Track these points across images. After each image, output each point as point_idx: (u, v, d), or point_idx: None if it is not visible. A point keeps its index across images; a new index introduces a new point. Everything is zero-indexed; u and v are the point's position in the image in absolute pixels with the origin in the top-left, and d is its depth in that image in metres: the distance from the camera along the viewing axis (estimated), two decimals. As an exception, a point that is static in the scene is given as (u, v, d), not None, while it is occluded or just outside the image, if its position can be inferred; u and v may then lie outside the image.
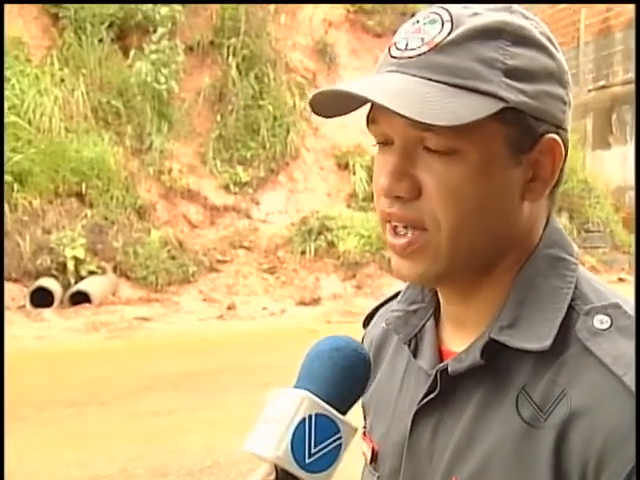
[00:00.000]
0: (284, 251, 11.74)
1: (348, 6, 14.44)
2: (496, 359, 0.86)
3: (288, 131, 12.92)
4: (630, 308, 0.84)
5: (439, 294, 0.96)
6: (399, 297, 1.03)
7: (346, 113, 0.91)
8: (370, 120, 0.88)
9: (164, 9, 12.44)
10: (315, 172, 13.16)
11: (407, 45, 0.86)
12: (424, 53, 0.84)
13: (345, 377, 0.91)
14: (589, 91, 15.52)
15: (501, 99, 0.82)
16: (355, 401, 0.94)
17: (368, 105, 0.87)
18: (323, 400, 0.89)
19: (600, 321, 0.82)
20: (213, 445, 5.22)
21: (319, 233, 11.71)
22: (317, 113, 0.91)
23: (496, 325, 0.87)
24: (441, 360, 0.93)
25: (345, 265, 11.31)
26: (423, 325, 0.98)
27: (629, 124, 14.47)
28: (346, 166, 13.04)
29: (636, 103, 12.32)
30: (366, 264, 11.30)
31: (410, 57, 0.85)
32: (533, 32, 0.87)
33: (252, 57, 13.12)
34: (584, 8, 15.44)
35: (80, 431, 5.62)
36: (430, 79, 0.83)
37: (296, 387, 0.91)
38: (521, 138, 0.85)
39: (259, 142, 12.78)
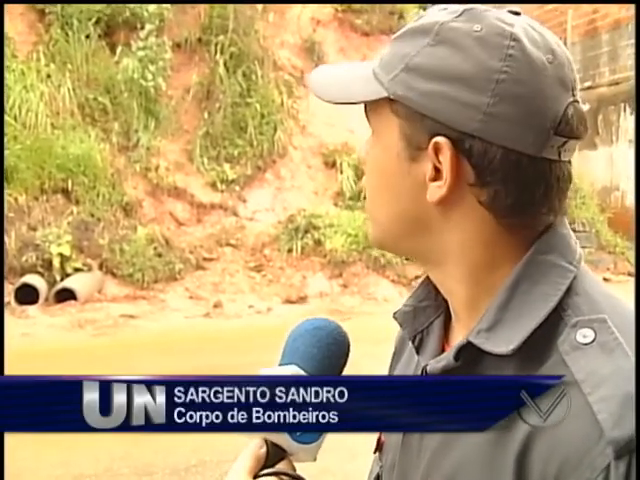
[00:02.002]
0: (271, 249, 11.73)
1: (336, 5, 14.43)
2: (475, 363, 0.86)
3: (275, 129, 12.90)
4: (619, 323, 0.82)
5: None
6: (411, 292, 1.03)
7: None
8: None
9: (152, 6, 12.39)
10: (302, 170, 13.16)
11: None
12: (387, 46, 0.93)
13: (329, 354, 0.94)
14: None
15: (386, 90, 0.87)
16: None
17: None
18: (310, 375, 0.91)
19: (583, 335, 0.81)
20: (199, 444, 5.22)
21: (306, 231, 11.71)
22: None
23: (476, 328, 0.86)
24: None
25: (332, 264, 11.31)
26: (431, 322, 0.99)
27: (615, 125, 14.54)
28: (333, 164, 13.04)
29: (636, 103, 12.37)
30: (353, 263, 11.31)
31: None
32: (462, 35, 0.84)
33: (240, 55, 13.09)
34: (570, 9, 15.49)
35: (65, 429, 5.60)
36: (374, 68, 0.91)
37: (280, 364, 0.93)
38: (414, 134, 0.87)
39: (246, 140, 12.76)
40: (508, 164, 0.84)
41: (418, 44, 0.87)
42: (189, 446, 5.22)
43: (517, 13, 0.89)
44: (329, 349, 0.94)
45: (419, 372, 0.95)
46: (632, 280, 12.09)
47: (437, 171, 0.87)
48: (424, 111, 0.85)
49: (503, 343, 0.83)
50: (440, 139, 0.85)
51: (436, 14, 0.89)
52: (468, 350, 0.86)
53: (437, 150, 0.85)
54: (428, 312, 0.99)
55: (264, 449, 0.90)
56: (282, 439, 0.89)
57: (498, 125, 0.83)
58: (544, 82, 0.84)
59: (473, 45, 0.84)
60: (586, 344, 0.80)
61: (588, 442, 0.75)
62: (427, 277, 0.99)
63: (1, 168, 9.67)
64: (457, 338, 0.94)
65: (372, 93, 0.89)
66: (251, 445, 0.91)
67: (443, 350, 0.95)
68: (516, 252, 0.88)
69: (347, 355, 0.97)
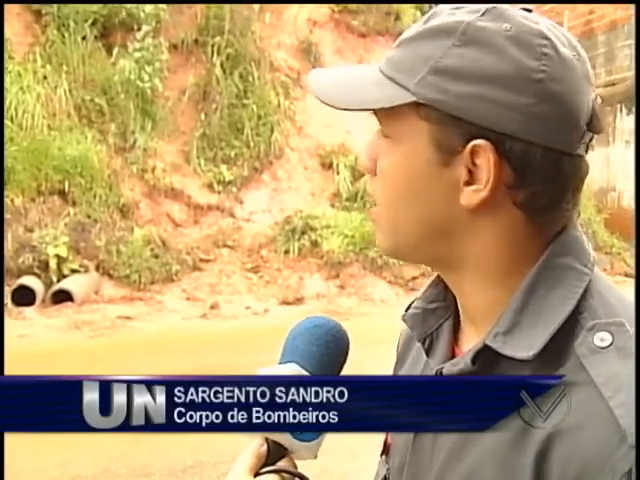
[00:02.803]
0: (268, 250, 11.73)
1: (333, 6, 14.44)
2: (491, 366, 0.86)
3: (272, 130, 12.91)
4: (634, 327, 0.82)
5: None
6: (419, 294, 1.02)
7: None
8: None
9: (148, 7, 12.38)
10: (299, 171, 13.16)
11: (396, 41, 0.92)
12: (394, 47, 0.90)
13: (328, 352, 0.94)
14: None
15: (414, 94, 0.84)
16: (338, 375, 0.96)
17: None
18: (310, 373, 0.91)
19: (601, 339, 0.81)
20: (196, 445, 5.22)
21: (303, 232, 11.71)
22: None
23: (492, 331, 0.86)
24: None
25: (329, 265, 11.31)
26: (441, 324, 0.98)
27: (611, 125, 14.56)
28: (330, 166, 13.04)
29: (636, 103, 12.38)
30: (350, 264, 11.31)
31: (392, 48, 0.91)
32: (493, 34, 0.83)
33: (236, 56, 13.09)
34: (567, 10, 15.52)
35: (62, 431, 5.59)
36: (382, 71, 0.89)
37: (280, 363, 0.94)
38: (445, 138, 0.84)
39: (243, 141, 12.76)
40: (547, 163, 0.84)
41: (442, 45, 0.84)
42: (186, 447, 5.22)
43: (529, 10, 0.88)
44: (328, 347, 0.95)
45: (429, 373, 0.95)
46: (629, 281, 12.11)
47: (471, 174, 0.85)
48: (459, 114, 0.83)
49: (523, 348, 0.83)
50: (480, 142, 0.83)
51: (455, 14, 0.86)
52: (485, 353, 0.85)
53: (474, 153, 0.84)
54: (437, 314, 0.99)
55: (265, 447, 0.90)
56: (283, 437, 0.89)
57: (538, 125, 0.83)
58: (576, 79, 0.85)
59: (506, 45, 0.83)
60: (604, 347, 0.80)
61: (610, 446, 0.75)
62: (435, 278, 0.99)
63: (1, 169, 9.66)
64: (468, 340, 0.94)
65: (395, 98, 0.85)
66: (252, 443, 0.91)
67: (453, 352, 0.95)
68: (535, 255, 0.88)
69: (347, 353, 0.97)
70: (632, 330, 0.81)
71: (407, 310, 1.12)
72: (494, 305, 0.89)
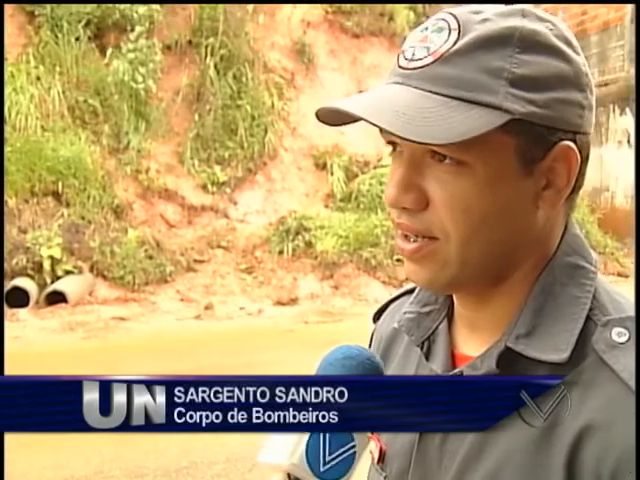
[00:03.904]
0: (262, 251, 11.72)
1: (326, 6, 14.43)
2: (510, 367, 0.85)
3: (266, 131, 12.90)
4: None
5: (454, 298, 0.95)
6: (412, 298, 1.01)
7: (356, 121, 0.89)
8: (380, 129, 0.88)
9: (142, 8, 12.36)
10: (293, 172, 13.15)
11: (413, 55, 0.85)
12: (429, 64, 0.83)
13: None
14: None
15: (507, 111, 0.80)
16: None
17: None
18: None
19: (618, 334, 0.81)
20: (190, 446, 5.21)
21: (297, 233, 11.70)
22: (326, 122, 0.90)
23: (513, 333, 0.85)
24: (453, 363, 0.93)
25: (323, 265, 11.31)
26: (436, 327, 0.97)
27: (604, 126, 14.59)
28: (324, 166, 13.04)
29: (636, 103, 12.41)
30: (344, 264, 11.31)
31: (415, 68, 0.84)
32: (547, 36, 0.84)
33: (230, 57, 13.08)
34: (560, 10, 15.54)
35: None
36: (434, 92, 0.82)
37: None
38: (532, 148, 0.83)
39: (237, 142, 12.75)
40: (590, 149, 0.87)
41: (503, 54, 0.81)
42: (180, 448, 5.21)
43: None
44: None
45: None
46: (622, 280, 12.13)
47: (547, 179, 0.85)
48: (545, 121, 0.82)
49: (551, 350, 0.83)
50: (569, 144, 0.83)
51: (493, 20, 0.83)
52: (506, 355, 0.85)
53: (558, 156, 0.84)
54: (432, 317, 0.98)
55: None
56: (305, 475, 0.87)
57: (589, 116, 0.86)
58: None
59: (559, 44, 0.84)
60: (622, 343, 0.81)
61: None
62: None
63: (1, 169, 9.63)
64: (465, 343, 0.94)
65: (490, 120, 0.80)
66: (274, 479, 0.89)
67: (453, 355, 0.95)
68: (548, 253, 0.89)
69: None
70: None
71: (378, 313, 1.12)
72: (503, 308, 0.89)
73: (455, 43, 0.82)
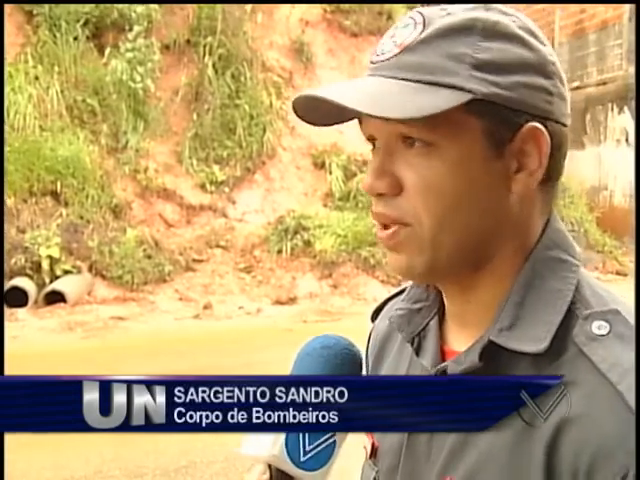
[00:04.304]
0: (260, 250, 11.73)
1: (325, 5, 14.44)
2: (494, 361, 0.86)
3: (264, 130, 12.90)
4: (630, 315, 0.84)
5: (442, 294, 0.96)
6: (403, 296, 1.02)
7: (338, 122, 0.93)
8: (360, 123, 0.91)
9: (140, 7, 12.36)
10: (291, 171, 13.16)
11: (383, 50, 0.89)
12: (396, 55, 0.86)
13: (338, 374, 0.92)
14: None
15: (469, 91, 0.83)
16: None
17: None
18: None
19: (598, 327, 0.82)
20: (189, 445, 5.21)
21: (295, 232, 11.70)
22: (308, 121, 0.93)
23: (496, 327, 0.87)
24: (443, 359, 0.94)
25: (321, 264, 11.31)
26: (427, 324, 0.98)
27: (603, 124, 14.60)
28: (322, 165, 13.05)
29: (636, 102, 12.42)
30: (342, 263, 11.31)
31: (384, 60, 0.87)
32: (509, 26, 0.86)
33: (229, 56, 13.08)
34: (558, 9, 15.55)
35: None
36: (400, 78, 0.85)
37: None
38: (499, 129, 0.85)
39: (235, 141, 12.76)
40: (565, 139, 0.89)
41: (467, 42, 0.84)
42: (179, 447, 5.22)
43: None
44: (337, 369, 0.92)
45: (423, 373, 0.95)
46: (621, 279, 12.15)
47: (519, 162, 0.86)
48: (511, 104, 0.84)
49: (529, 341, 0.84)
50: (537, 125, 0.85)
51: (456, 13, 0.87)
52: (489, 349, 0.86)
53: (526, 138, 0.85)
54: (422, 314, 0.99)
55: (267, 475, 0.89)
56: (286, 465, 0.88)
57: (561, 104, 0.88)
58: None
59: (523, 34, 0.87)
60: (602, 335, 0.82)
61: (622, 429, 0.76)
62: None
63: (1, 168, 9.63)
64: (455, 338, 0.94)
65: (451, 99, 0.83)
66: (254, 471, 0.90)
67: (442, 350, 0.96)
68: (530, 246, 0.90)
69: (357, 374, 0.95)
70: (629, 318, 0.83)
71: (376, 311, 1.13)
72: (488, 302, 0.89)
73: (420, 34, 0.86)
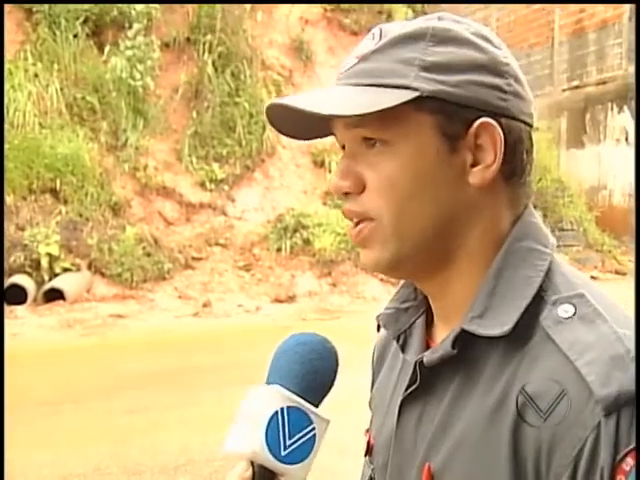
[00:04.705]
0: (260, 248, 11.73)
1: (325, 4, 14.44)
2: (468, 349, 0.89)
3: (264, 128, 12.89)
4: (596, 298, 0.86)
5: (421, 290, 1.00)
6: (392, 296, 1.06)
7: (315, 137, 0.99)
8: (334, 135, 0.96)
9: (140, 5, 12.37)
10: (291, 169, 13.16)
11: (345, 64, 0.94)
12: (354, 65, 0.92)
13: (313, 369, 0.93)
14: (563, 91, 15.63)
15: (415, 90, 0.87)
16: (326, 393, 0.95)
17: None
18: (294, 393, 0.91)
19: (564, 310, 0.85)
20: (187, 443, 5.22)
21: (295, 230, 11.71)
22: (282, 132, 1.01)
23: (468, 316, 0.89)
24: None
25: (321, 263, 11.32)
26: (413, 322, 1.02)
27: (602, 124, 14.60)
28: (322, 163, 13.05)
29: (636, 101, 12.42)
30: (342, 262, 11.32)
31: (343, 72, 0.93)
32: (459, 32, 0.91)
33: (228, 54, 13.08)
34: (557, 8, 15.55)
35: (53, 430, 5.59)
36: (354, 84, 0.91)
37: (267, 383, 0.93)
38: (450, 125, 0.89)
39: (235, 139, 12.76)
40: (525, 135, 0.92)
41: (417, 48, 0.89)
42: (178, 445, 5.22)
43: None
44: (312, 364, 0.93)
45: (409, 369, 0.96)
46: (620, 278, 12.15)
47: (474, 156, 0.90)
48: (460, 100, 0.88)
49: (497, 326, 0.87)
50: (488, 119, 0.89)
51: (408, 26, 0.92)
52: (462, 337, 0.89)
53: (479, 133, 0.89)
54: (410, 312, 1.02)
55: (249, 472, 0.90)
56: (267, 461, 0.89)
57: (518, 102, 0.92)
58: None
59: (474, 38, 0.91)
60: (567, 318, 0.85)
61: (579, 404, 0.79)
62: (406, 280, 1.03)
63: (1, 168, 9.63)
64: (441, 335, 0.96)
65: (399, 97, 0.87)
66: (237, 468, 0.91)
67: (428, 346, 0.98)
68: (503, 239, 0.93)
69: (335, 368, 0.96)
70: (593, 300, 0.86)
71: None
72: (469, 297, 0.92)
73: (375, 45, 0.91)
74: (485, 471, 0.84)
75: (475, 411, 0.86)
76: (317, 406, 0.93)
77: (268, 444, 0.88)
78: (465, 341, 0.89)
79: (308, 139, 1.01)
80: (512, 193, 0.93)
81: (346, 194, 0.93)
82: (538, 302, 0.87)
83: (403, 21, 0.95)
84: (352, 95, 0.90)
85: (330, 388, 0.96)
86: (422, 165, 0.89)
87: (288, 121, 0.96)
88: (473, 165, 0.90)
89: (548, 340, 0.84)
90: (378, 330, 1.16)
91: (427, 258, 0.92)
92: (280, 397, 0.90)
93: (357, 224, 0.93)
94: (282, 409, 0.89)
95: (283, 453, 0.89)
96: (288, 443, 0.89)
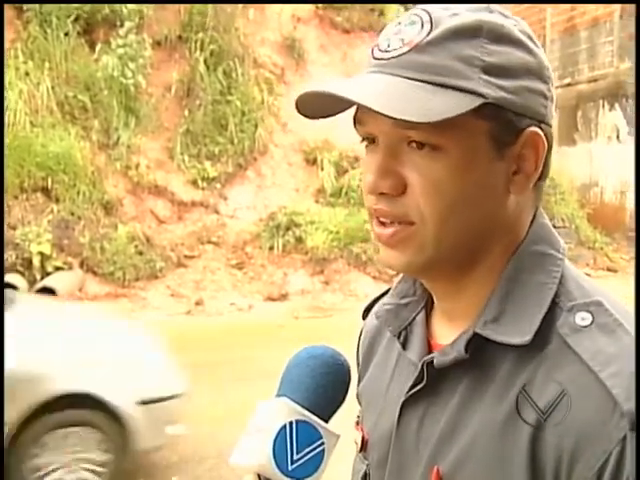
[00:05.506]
0: (252, 247, 11.72)
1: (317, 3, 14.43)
2: (480, 353, 0.88)
3: (256, 126, 12.89)
4: (612, 306, 0.85)
5: (431, 290, 0.98)
6: (391, 291, 1.04)
7: (331, 115, 0.93)
8: (356, 121, 0.91)
9: (131, 3, 12.33)
10: (283, 167, 13.15)
11: (389, 46, 0.88)
12: (404, 53, 0.86)
13: (324, 384, 0.92)
14: (555, 88, 15.68)
15: (480, 95, 0.84)
16: (337, 408, 0.94)
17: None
18: (303, 407, 0.90)
19: (582, 318, 0.84)
20: (181, 441, 5.21)
21: (287, 229, 11.71)
22: (304, 114, 0.93)
23: (481, 319, 0.88)
24: (429, 352, 0.95)
25: (313, 261, 11.32)
26: (414, 318, 1.00)
27: (594, 121, 14.63)
28: (314, 161, 13.04)
29: (636, 101, 12.43)
30: (334, 260, 11.32)
31: (391, 58, 0.87)
32: (512, 30, 0.88)
33: (220, 52, 13.06)
34: (549, 7, 15.58)
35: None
36: (410, 78, 0.85)
37: (276, 396, 0.92)
38: (503, 133, 0.86)
39: (227, 137, 12.74)
40: (552, 141, 0.92)
41: (474, 44, 0.86)
42: (171, 444, 5.22)
43: None
44: (323, 378, 0.92)
45: (410, 367, 0.96)
46: (611, 275, 12.19)
47: (517, 164, 0.89)
48: (515, 108, 0.86)
49: (515, 333, 0.85)
50: (536, 129, 0.88)
51: (462, 14, 0.88)
52: (475, 341, 0.88)
53: (527, 142, 0.88)
54: (409, 308, 1.01)
55: None
56: (274, 474, 0.87)
57: (552, 108, 0.91)
58: None
59: (524, 38, 0.89)
60: (585, 326, 0.83)
61: (603, 416, 0.78)
62: (404, 275, 1.01)
63: (1, 168, 9.59)
64: (442, 332, 0.96)
65: (465, 103, 0.84)
66: None
67: (429, 344, 0.97)
68: (518, 242, 0.92)
69: (347, 383, 0.95)
70: (611, 309, 0.85)
71: (367, 309, 1.14)
72: (481, 299, 0.91)
73: (428, 34, 0.86)
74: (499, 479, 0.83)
75: (486, 416, 0.85)
76: (327, 421, 0.92)
77: (275, 458, 0.87)
78: (477, 344, 0.88)
79: (317, 118, 0.94)
80: (536, 197, 0.93)
81: (383, 194, 0.88)
82: (552, 308, 0.86)
83: (444, 5, 0.89)
84: (419, 95, 0.84)
85: (341, 403, 0.94)
86: (472, 173, 0.86)
87: (312, 103, 0.91)
88: (514, 173, 0.89)
89: (567, 349, 0.83)
90: (363, 318, 1.15)
91: (457, 262, 0.91)
92: (289, 410, 0.89)
93: (386, 224, 0.89)
94: (291, 423, 0.88)
95: (290, 467, 0.88)
96: (296, 457, 0.88)
